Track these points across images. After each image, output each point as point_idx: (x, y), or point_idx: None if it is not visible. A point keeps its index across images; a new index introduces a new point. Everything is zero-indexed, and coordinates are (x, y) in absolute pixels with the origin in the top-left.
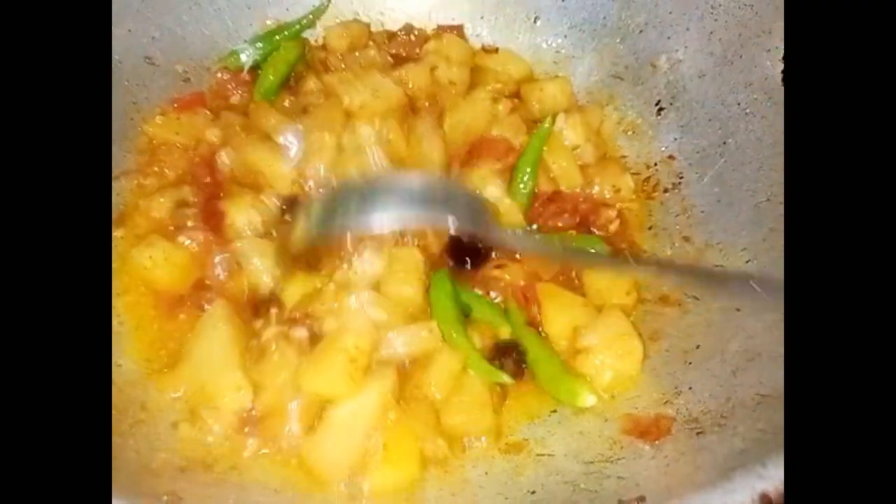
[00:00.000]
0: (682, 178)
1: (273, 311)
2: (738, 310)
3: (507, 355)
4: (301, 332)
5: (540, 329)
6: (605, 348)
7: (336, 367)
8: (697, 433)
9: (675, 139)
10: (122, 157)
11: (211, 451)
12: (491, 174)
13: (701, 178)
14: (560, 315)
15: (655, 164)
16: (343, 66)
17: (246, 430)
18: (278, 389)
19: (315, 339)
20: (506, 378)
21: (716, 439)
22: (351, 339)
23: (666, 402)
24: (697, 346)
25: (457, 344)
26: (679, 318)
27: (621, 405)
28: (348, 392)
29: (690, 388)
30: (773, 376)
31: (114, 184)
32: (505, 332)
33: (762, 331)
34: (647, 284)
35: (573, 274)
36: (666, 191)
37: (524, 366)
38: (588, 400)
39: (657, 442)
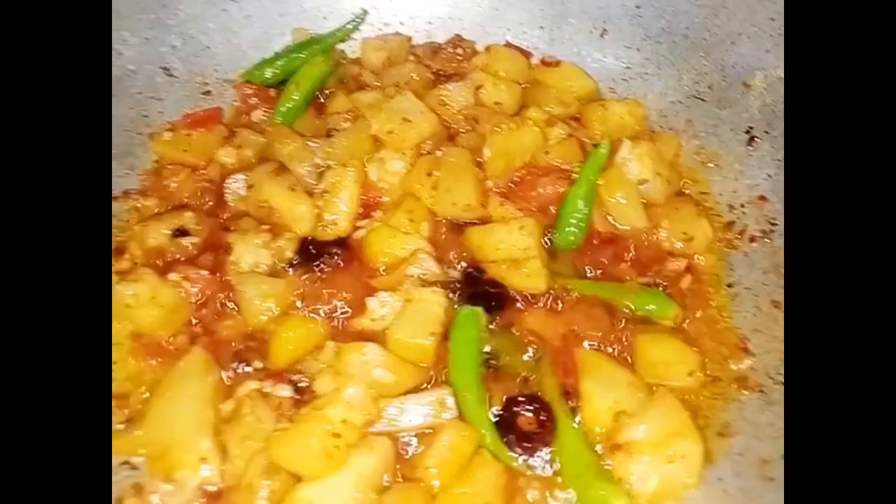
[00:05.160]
0: (775, 224)
1: (256, 361)
2: None
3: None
4: (284, 391)
5: (575, 406)
6: (651, 447)
7: (313, 443)
8: None
9: (769, 176)
10: (124, 176)
11: None
12: (526, 218)
13: None
14: (600, 394)
15: (742, 206)
16: (377, 83)
17: None
18: (247, 460)
19: (302, 400)
20: (521, 466)
21: None
22: (339, 411)
23: None
24: (782, 456)
25: (470, 411)
26: (760, 409)
27: None
28: (324, 472)
29: None
30: None
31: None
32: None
33: None
34: (723, 357)
35: (623, 338)
36: (753, 240)
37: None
38: None
39: None
